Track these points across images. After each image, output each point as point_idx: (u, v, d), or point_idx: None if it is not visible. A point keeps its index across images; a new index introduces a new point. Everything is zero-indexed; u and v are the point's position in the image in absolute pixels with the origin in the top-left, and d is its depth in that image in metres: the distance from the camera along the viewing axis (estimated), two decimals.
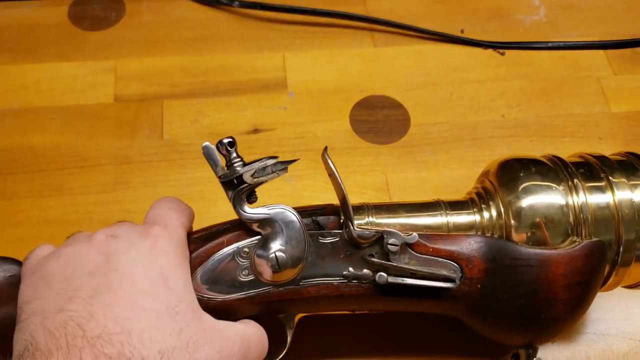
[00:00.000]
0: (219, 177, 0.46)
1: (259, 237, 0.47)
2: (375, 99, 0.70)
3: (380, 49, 0.74)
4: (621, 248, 0.49)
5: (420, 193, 0.63)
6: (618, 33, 0.75)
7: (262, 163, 0.46)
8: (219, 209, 0.62)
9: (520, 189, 0.50)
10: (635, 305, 0.59)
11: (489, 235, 0.50)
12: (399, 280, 0.47)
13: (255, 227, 0.47)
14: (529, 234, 0.48)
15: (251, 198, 0.47)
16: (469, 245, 0.49)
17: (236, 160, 0.46)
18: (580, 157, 0.54)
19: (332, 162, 0.46)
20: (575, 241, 0.48)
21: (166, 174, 0.64)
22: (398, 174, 0.65)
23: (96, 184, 0.63)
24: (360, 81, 0.71)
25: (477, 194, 0.53)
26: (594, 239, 0.48)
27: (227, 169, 0.46)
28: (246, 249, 0.47)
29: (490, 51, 0.74)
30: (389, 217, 0.51)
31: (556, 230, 0.49)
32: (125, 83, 0.70)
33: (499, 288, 0.48)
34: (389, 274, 0.47)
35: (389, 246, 0.47)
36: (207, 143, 0.46)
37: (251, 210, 0.47)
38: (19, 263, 0.48)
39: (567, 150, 0.63)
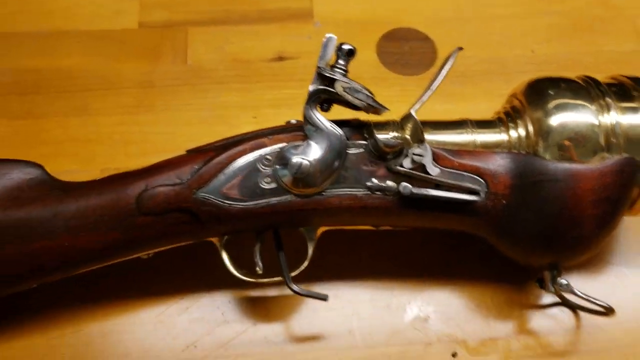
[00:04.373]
0: (318, 67, 0.46)
1: (284, 145, 0.47)
2: (403, 32, 0.69)
3: None
4: None
5: None
6: None
7: (360, 87, 0.46)
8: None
9: (549, 106, 0.48)
10: None
11: (516, 151, 0.49)
12: (423, 191, 0.46)
13: (306, 128, 0.46)
14: (557, 153, 0.47)
15: (324, 106, 0.47)
16: (495, 161, 0.48)
17: (342, 67, 0.46)
18: (613, 78, 0.52)
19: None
20: (605, 157, 0.47)
21: (188, 98, 0.64)
22: (427, 105, 0.63)
23: (119, 106, 0.63)
24: (388, 13, 0.70)
25: (506, 113, 0.52)
26: (626, 156, 0.47)
27: (329, 68, 0.46)
28: (269, 157, 0.47)
29: None
30: None
31: (585, 150, 0.47)
32: (150, 10, 0.69)
33: (524, 205, 0.47)
34: (412, 185, 0.46)
35: (414, 157, 0.46)
36: (332, 35, 0.46)
37: (316, 113, 0.46)
38: (39, 166, 0.48)
39: None
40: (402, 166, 0.47)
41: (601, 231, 0.47)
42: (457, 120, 0.51)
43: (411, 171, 0.46)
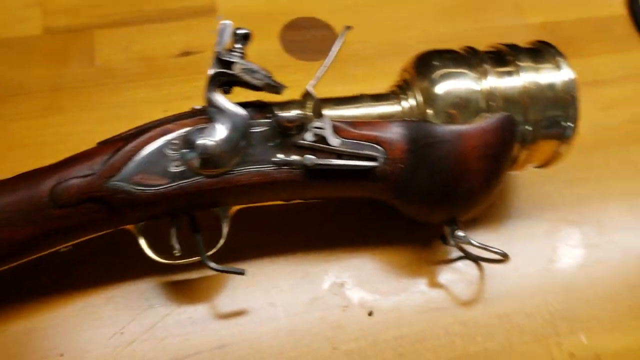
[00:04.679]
0: (216, 52, 0.48)
1: (189, 129, 0.49)
2: (304, 21, 0.72)
3: None
4: (528, 127, 0.53)
5: None
6: None
7: (257, 67, 0.49)
8: None
9: (434, 76, 0.52)
10: (552, 189, 0.63)
11: (408, 119, 0.53)
12: (326, 161, 0.50)
13: (210, 111, 0.49)
14: (445, 118, 0.51)
15: (225, 88, 0.50)
16: (391, 130, 0.52)
17: (239, 51, 0.49)
18: (492, 46, 0.57)
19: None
20: (486, 117, 0.51)
21: (99, 97, 0.65)
22: (329, 87, 0.66)
23: (29, 110, 0.63)
24: (290, 3, 0.73)
25: (398, 86, 0.56)
26: (504, 114, 0.51)
27: (227, 52, 0.48)
28: (175, 141, 0.49)
29: None
30: None
31: (469, 113, 0.52)
32: (53, 16, 0.70)
33: (419, 166, 0.51)
34: (317, 157, 0.49)
35: (315, 130, 0.50)
36: (228, 21, 0.49)
37: (218, 96, 0.49)
38: None
39: None
40: (304, 140, 0.50)
41: (488, 185, 0.52)
42: (355, 95, 0.55)
43: (314, 143, 0.50)
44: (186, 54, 0.68)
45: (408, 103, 0.54)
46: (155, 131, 0.49)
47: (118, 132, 0.53)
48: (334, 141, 0.50)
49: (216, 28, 0.69)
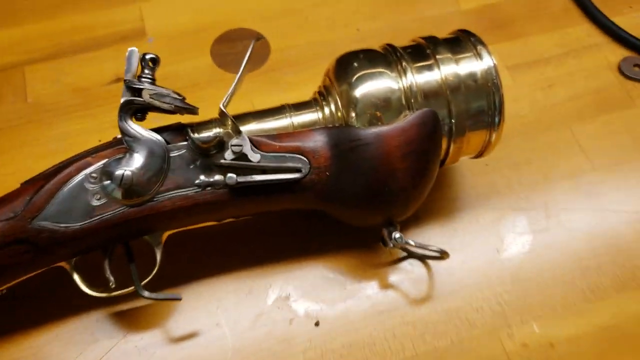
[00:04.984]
0: (124, 80, 0.48)
1: (106, 160, 0.49)
2: (235, 32, 0.72)
3: None
4: (453, 119, 0.52)
5: None
6: None
7: (167, 91, 0.49)
8: None
9: (352, 79, 0.52)
10: (497, 176, 0.62)
11: (330, 126, 0.52)
12: (248, 178, 0.49)
13: (125, 140, 0.49)
14: (368, 120, 0.51)
15: (138, 115, 0.50)
16: (313, 138, 0.51)
17: (148, 76, 0.49)
18: (412, 41, 0.56)
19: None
20: (407, 114, 0.51)
21: (34, 134, 0.65)
22: (264, 97, 0.66)
23: None
24: (219, 17, 0.73)
25: (319, 92, 0.55)
26: (424, 109, 0.51)
27: (136, 79, 0.48)
28: (94, 174, 0.48)
29: None
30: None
31: (392, 113, 0.51)
32: None
33: (345, 171, 0.50)
34: (238, 175, 0.49)
35: (233, 147, 0.49)
36: (134, 48, 0.49)
37: (131, 124, 0.49)
38: None
39: None
40: (225, 159, 0.49)
41: (416, 182, 0.51)
42: (276, 106, 0.54)
43: (234, 162, 0.49)
44: (118, 80, 0.68)
45: (329, 109, 0.53)
46: (74, 166, 0.49)
47: None
48: (254, 157, 0.49)
49: (147, 51, 0.69)
